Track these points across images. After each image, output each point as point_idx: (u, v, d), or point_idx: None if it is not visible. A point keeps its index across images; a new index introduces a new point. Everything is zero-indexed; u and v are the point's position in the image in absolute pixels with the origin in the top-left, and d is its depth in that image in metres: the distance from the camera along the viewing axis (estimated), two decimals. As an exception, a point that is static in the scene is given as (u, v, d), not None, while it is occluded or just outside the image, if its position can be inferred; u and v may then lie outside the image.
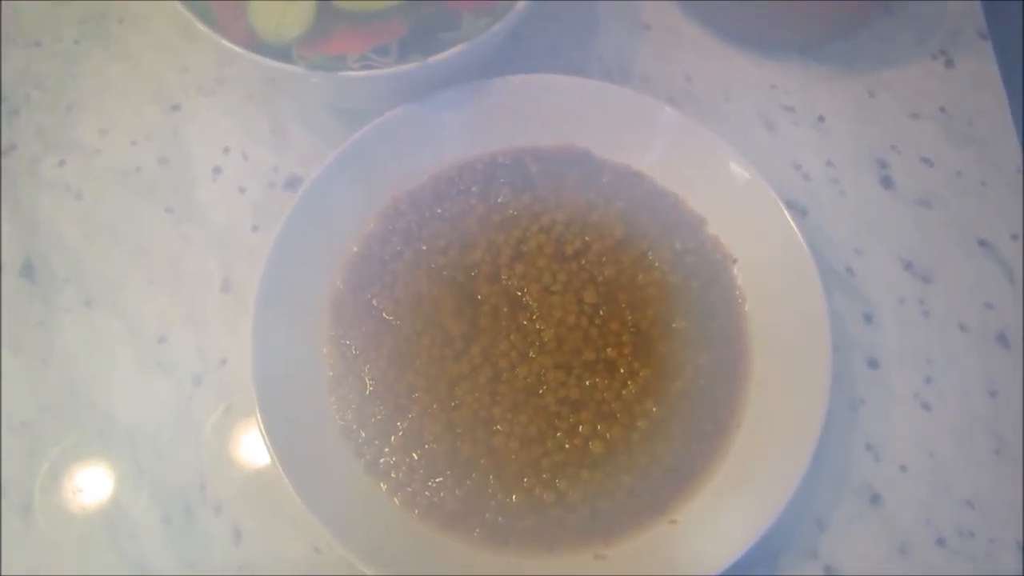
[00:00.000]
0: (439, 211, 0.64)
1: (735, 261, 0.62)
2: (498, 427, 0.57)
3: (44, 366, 0.64)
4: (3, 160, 0.71)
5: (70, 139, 0.73)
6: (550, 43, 0.76)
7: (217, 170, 0.71)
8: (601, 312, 0.60)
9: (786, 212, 0.60)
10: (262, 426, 0.55)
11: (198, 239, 0.68)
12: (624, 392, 0.58)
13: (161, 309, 0.66)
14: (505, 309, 0.60)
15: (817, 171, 0.71)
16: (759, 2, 0.70)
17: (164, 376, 0.64)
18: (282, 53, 0.59)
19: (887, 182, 0.70)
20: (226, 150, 0.72)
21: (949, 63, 0.75)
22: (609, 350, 0.59)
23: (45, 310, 0.66)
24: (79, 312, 0.66)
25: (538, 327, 0.60)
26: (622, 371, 0.59)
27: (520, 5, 0.61)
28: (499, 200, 0.64)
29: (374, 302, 0.61)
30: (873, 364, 0.64)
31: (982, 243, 0.68)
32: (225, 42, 0.60)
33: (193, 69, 0.75)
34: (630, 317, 0.60)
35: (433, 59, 0.59)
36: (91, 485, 0.61)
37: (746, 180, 0.62)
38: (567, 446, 0.57)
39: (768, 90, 0.74)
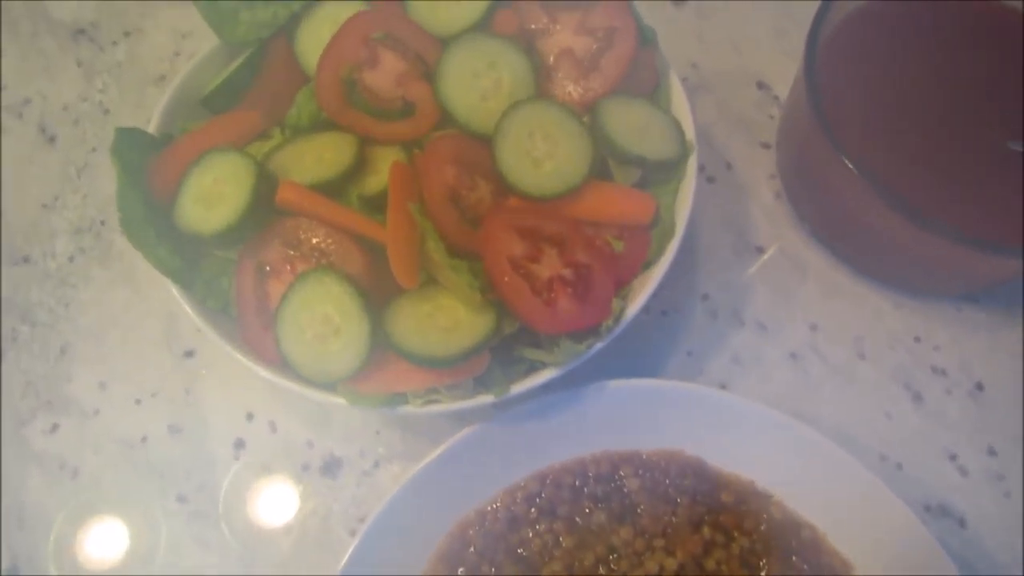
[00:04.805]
0: (516, 546, 0.52)
1: (890, 629, 0.50)
2: None
3: None
4: (-16, 424, 0.60)
5: (64, 395, 0.60)
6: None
7: (239, 444, 0.59)
8: None
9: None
10: None
11: (217, 545, 0.56)
12: None
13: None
14: None
15: (976, 462, 0.57)
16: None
17: None
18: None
19: (1064, 478, 0.57)
20: (250, 416, 0.59)
21: None
22: None
23: (34, 641, 0.55)
24: (75, 642, 0.55)
25: None
26: None
27: (628, 314, 0.47)
28: (592, 533, 0.51)
29: None
30: None
31: None
32: (251, 363, 0.47)
33: (211, 299, 0.63)
34: None
35: (517, 388, 0.46)
36: None
37: (902, 517, 0.49)
38: None
39: (912, 344, 0.60)
